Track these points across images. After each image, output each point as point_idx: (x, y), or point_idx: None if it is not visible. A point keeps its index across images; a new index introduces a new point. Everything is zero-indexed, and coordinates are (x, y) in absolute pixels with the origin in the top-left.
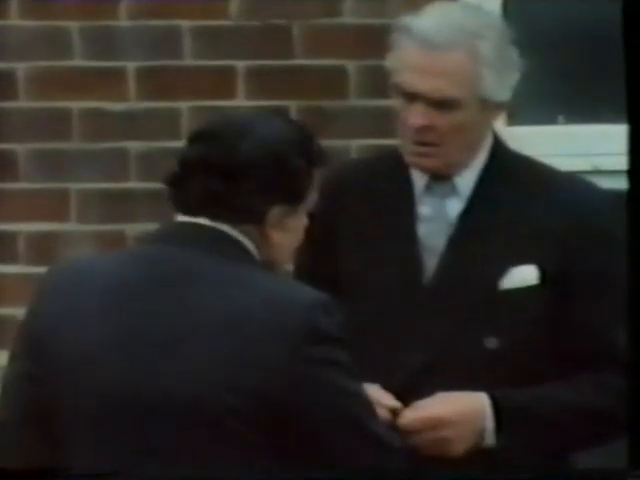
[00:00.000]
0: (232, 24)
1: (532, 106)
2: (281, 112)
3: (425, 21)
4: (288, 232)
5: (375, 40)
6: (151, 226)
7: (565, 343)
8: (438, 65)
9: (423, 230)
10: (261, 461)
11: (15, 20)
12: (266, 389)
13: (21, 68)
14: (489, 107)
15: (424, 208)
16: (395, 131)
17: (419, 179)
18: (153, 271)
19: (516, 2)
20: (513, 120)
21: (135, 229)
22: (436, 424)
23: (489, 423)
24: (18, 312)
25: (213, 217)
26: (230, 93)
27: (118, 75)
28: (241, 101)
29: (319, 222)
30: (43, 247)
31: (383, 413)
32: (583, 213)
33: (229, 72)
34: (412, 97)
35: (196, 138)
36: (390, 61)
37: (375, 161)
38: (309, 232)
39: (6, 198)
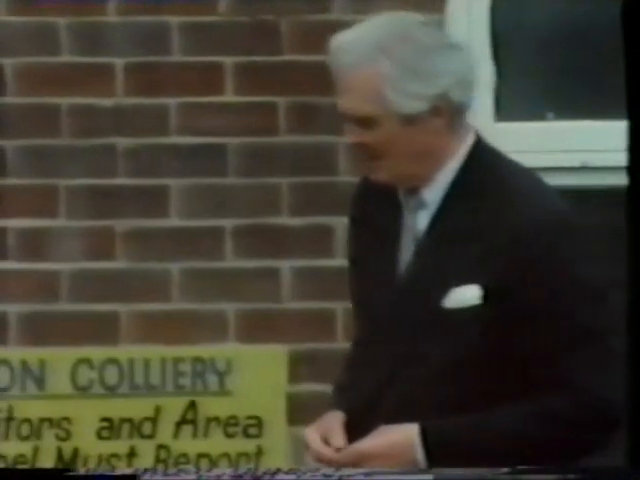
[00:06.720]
0: (220, 20)
1: (521, 102)
2: None
3: (336, 40)
4: None
5: None
6: (140, 222)
7: (509, 364)
8: (347, 84)
9: (402, 244)
10: None
11: (3, 16)
12: None
13: (9, 64)
14: (412, 120)
15: (405, 222)
16: None
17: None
18: None
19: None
20: (502, 116)
21: (124, 225)
22: (362, 458)
23: (419, 455)
24: (8, 308)
25: None
26: (218, 89)
27: (106, 71)
28: (229, 97)
29: (353, 230)
30: (32, 243)
31: (324, 449)
32: (528, 233)
33: (217, 68)
34: (343, 116)
35: None
36: None
37: None
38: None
39: None
